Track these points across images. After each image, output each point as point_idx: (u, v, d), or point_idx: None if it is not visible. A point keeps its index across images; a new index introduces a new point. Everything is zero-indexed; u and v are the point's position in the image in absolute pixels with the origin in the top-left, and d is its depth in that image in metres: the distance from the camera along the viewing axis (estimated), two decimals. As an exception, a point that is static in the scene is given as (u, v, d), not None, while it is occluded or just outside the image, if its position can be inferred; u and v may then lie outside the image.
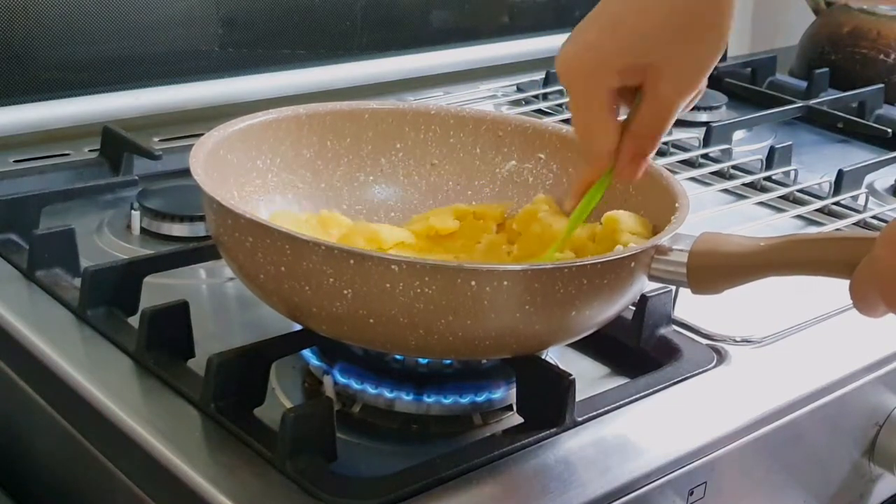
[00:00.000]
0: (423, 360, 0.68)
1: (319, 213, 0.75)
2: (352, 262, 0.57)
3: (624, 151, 0.65)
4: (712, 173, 1.07)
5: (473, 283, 0.57)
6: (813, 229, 0.98)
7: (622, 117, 0.66)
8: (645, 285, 0.65)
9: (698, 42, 0.62)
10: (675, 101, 0.63)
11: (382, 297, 0.57)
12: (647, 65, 0.62)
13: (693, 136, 1.14)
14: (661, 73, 0.62)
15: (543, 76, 1.28)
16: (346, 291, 0.58)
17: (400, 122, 0.80)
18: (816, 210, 1.01)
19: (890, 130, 1.23)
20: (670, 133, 1.14)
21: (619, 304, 0.63)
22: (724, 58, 1.48)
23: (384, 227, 0.74)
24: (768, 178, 1.06)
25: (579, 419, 0.65)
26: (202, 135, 0.70)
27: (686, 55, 0.62)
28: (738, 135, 1.21)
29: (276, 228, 0.59)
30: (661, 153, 1.10)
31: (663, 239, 0.63)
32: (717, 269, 0.62)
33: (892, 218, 1.00)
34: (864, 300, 0.56)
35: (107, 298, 0.73)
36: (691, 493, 0.66)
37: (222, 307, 0.81)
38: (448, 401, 0.67)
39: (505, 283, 0.57)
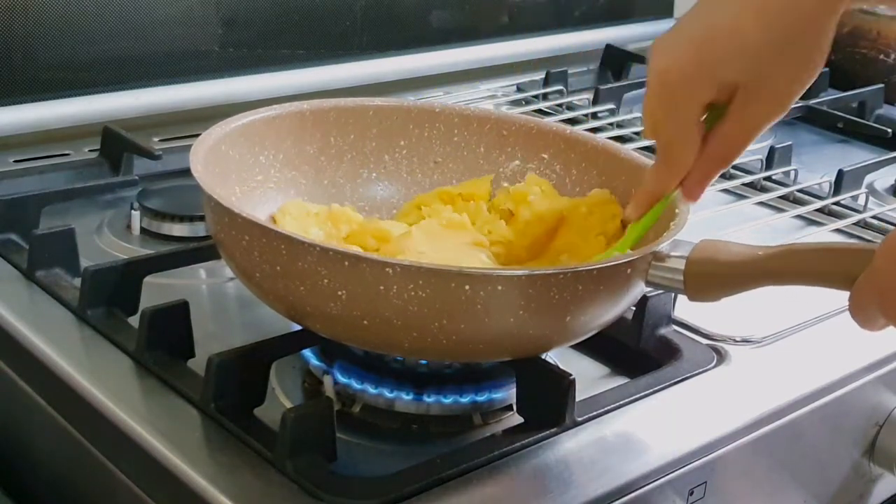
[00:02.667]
0: (423, 360, 0.68)
1: (331, 208, 0.75)
2: (346, 263, 0.57)
3: (696, 168, 0.64)
4: (712, 173, 1.07)
5: (467, 287, 0.56)
6: (813, 229, 0.98)
7: None
8: (643, 291, 0.65)
9: (796, 63, 0.60)
10: (760, 124, 0.62)
11: (376, 300, 0.57)
12: (742, 82, 0.60)
13: (693, 136, 1.14)
14: (753, 93, 0.61)
15: (543, 76, 1.28)
16: (340, 292, 0.58)
17: (404, 119, 0.80)
18: (816, 210, 1.01)
19: (890, 130, 1.23)
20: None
21: (616, 309, 0.63)
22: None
23: (395, 225, 0.74)
24: (768, 178, 1.06)
25: (579, 419, 0.65)
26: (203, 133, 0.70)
27: (782, 76, 0.61)
28: (739, 135, 1.20)
29: (273, 228, 0.60)
30: (661, 153, 1.10)
31: (661, 245, 0.62)
32: (714, 277, 0.62)
33: (893, 218, 1.00)
34: (863, 313, 0.55)
35: (107, 298, 0.73)
36: (691, 493, 0.66)
37: (222, 307, 0.81)
38: (448, 401, 0.67)
39: (499, 287, 0.57)
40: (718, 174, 0.65)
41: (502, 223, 0.74)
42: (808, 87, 0.62)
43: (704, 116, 0.63)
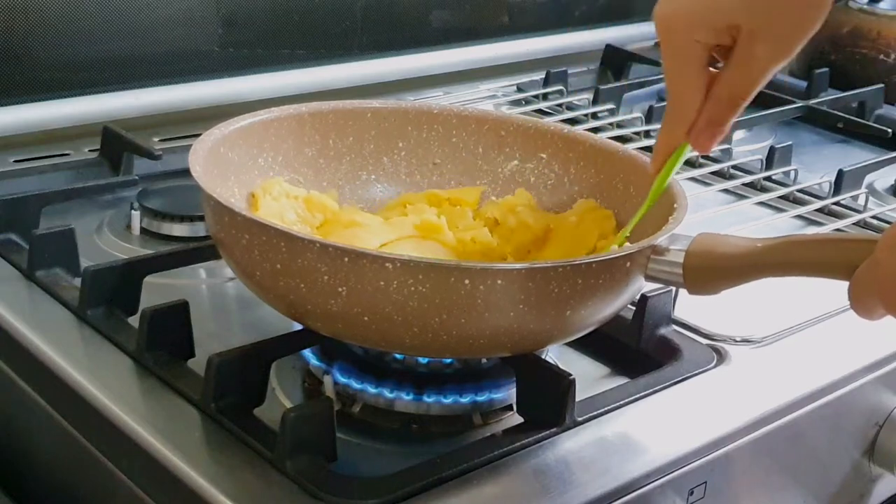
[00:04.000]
0: (423, 360, 0.68)
1: (309, 193, 0.75)
2: (346, 259, 0.57)
3: (703, 113, 0.64)
4: (712, 173, 1.07)
5: (467, 281, 0.57)
6: (813, 229, 0.98)
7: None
8: (642, 286, 0.65)
9: (799, 6, 0.61)
10: (765, 66, 0.62)
11: (376, 295, 0.57)
12: (744, 24, 0.61)
13: (693, 136, 1.14)
14: (754, 37, 0.61)
15: (543, 76, 1.28)
16: (340, 289, 0.58)
17: (403, 121, 0.80)
18: (816, 210, 1.01)
19: (890, 130, 1.23)
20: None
21: (616, 304, 0.63)
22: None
23: (370, 217, 0.74)
24: (768, 178, 1.06)
25: (579, 419, 0.65)
26: (202, 134, 0.70)
27: (785, 18, 0.61)
28: (738, 135, 1.21)
29: (272, 226, 0.60)
30: (661, 153, 1.10)
31: (660, 239, 0.63)
32: (713, 269, 0.62)
33: (893, 219, 1.00)
34: (863, 304, 0.55)
35: (107, 298, 0.73)
36: (691, 493, 0.66)
37: (222, 307, 0.81)
38: (448, 400, 0.67)
39: (499, 281, 0.57)
40: (727, 123, 0.65)
41: (485, 230, 0.75)
42: (813, 30, 0.62)
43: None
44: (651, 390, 0.69)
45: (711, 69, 0.64)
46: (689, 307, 0.77)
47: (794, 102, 1.28)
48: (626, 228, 0.68)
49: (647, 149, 1.09)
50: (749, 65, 0.62)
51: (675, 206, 0.66)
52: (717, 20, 0.61)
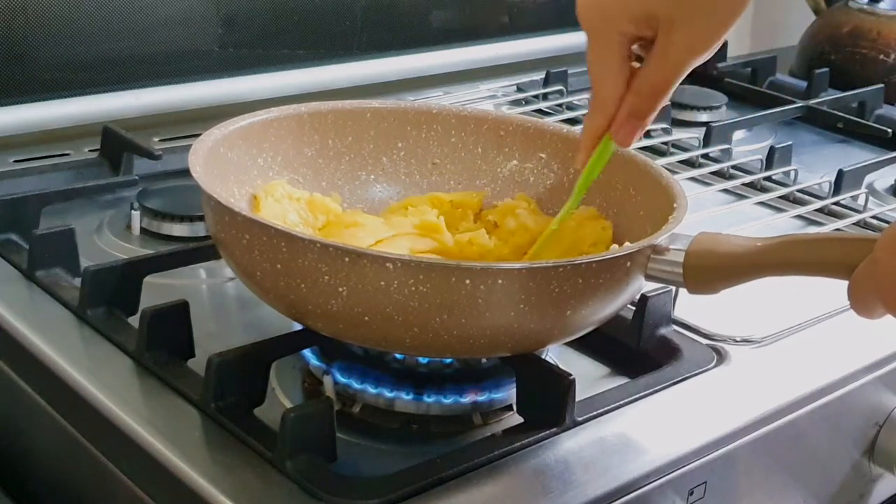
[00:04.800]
0: (423, 360, 0.68)
1: (311, 195, 0.75)
2: (346, 260, 0.57)
3: (623, 107, 0.64)
4: (712, 173, 1.07)
5: (468, 281, 0.57)
6: (813, 229, 0.98)
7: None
8: (643, 285, 0.65)
9: (718, 1, 0.61)
10: (683, 58, 0.62)
11: (377, 296, 0.57)
12: (663, 17, 0.61)
13: (693, 136, 1.14)
14: (673, 28, 0.61)
15: (543, 76, 1.28)
16: (341, 289, 0.58)
17: (402, 121, 0.80)
18: (816, 210, 1.01)
19: (890, 130, 1.23)
20: (670, 133, 1.14)
21: (616, 303, 0.63)
22: (723, 57, 1.49)
23: (372, 219, 0.74)
24: (768, 178, 1.06)
25: (579, 419, 0.65)
26: (202, 134, 0.70)
27: (703, 13, 0.61)
28: (738, 135, 1.21)
29: (273, 226, 0.60)
30: (661, 153, 1.10)
31: (660, 238, 0.63)
32: (713, 269, 0.62)
33: (893, 219, 1.00)
34: (862, 302, 0.56)
35: (107, 298, 0.73)
36: (691, 493, 0.66)
37: (222, 307, 0.81)
38: (448, 401, 0.67)
39: (500, 281, 0.57)
40: (648, 117, 0.65)
41: (483, 231, 0.75)
42: (731, 23, 0.61)
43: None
44: (651, 390, 0.69)
45: (636, 64, 0.64)
46: (689, 307, 0.77)
47: (794, 102, 1.28)
48: (558, 219, 0.69)
49: (648, 149, 1.10)
50: (666, 56, 0.62)
51: (675, 205, 0.66)
52: (635, 10, 0.61)
